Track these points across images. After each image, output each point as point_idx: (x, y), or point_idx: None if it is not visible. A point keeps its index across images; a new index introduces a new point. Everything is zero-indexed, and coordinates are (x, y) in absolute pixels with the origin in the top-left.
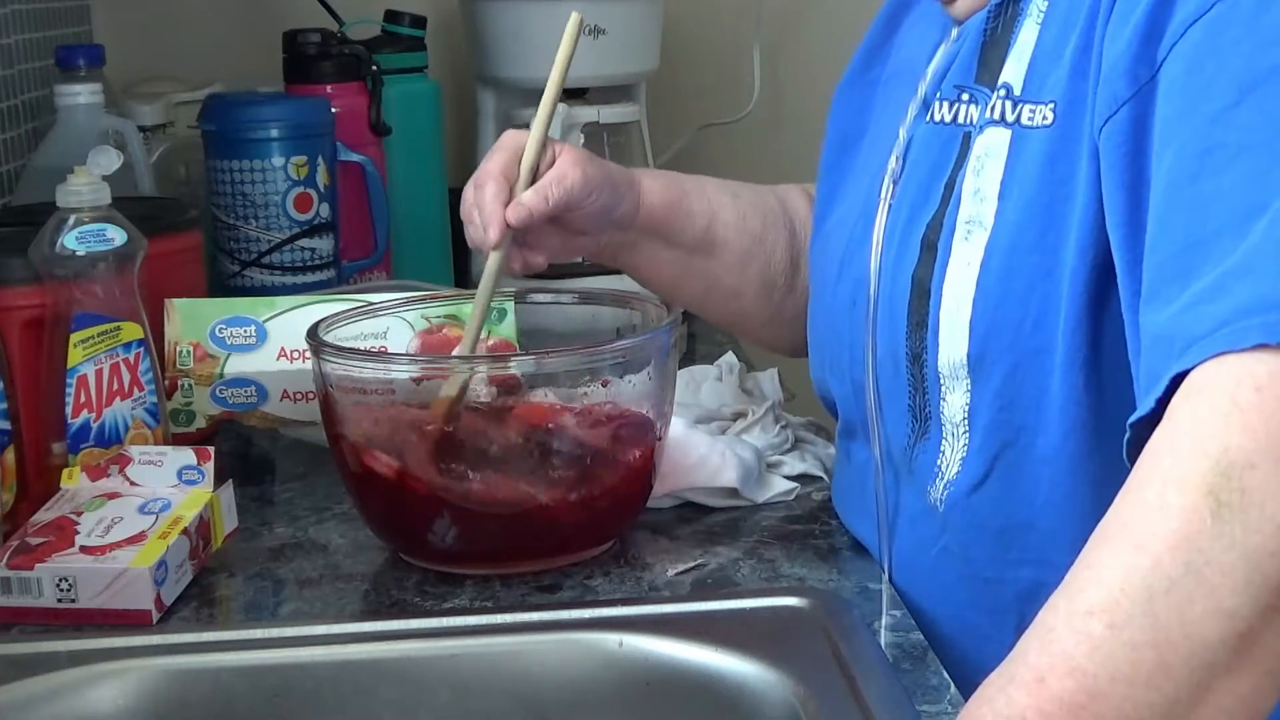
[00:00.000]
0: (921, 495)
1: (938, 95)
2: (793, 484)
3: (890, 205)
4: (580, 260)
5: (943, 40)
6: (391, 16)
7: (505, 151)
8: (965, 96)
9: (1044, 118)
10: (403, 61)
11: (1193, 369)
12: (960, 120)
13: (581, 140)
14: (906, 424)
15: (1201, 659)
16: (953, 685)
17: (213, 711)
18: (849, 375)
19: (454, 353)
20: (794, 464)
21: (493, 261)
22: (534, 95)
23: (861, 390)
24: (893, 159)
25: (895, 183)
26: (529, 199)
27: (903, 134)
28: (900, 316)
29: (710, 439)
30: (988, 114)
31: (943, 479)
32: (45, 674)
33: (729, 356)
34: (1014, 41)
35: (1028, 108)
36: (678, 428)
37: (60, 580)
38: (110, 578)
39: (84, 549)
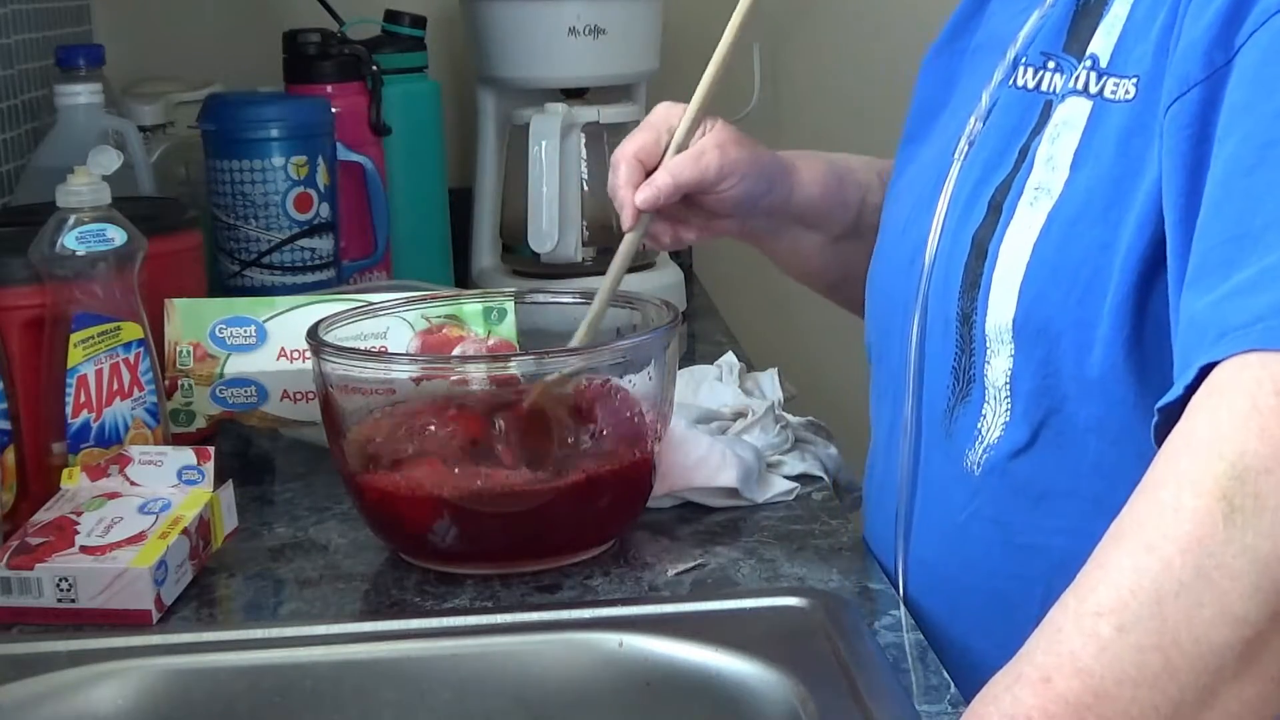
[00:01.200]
0: (956, 460)
1: (1023, 60)
2: (793, 484)
3: (963, 165)
4: (581, 260)
5: (1035, 8)
6: (391, 16)
7: (646, 130)
8: (1051, 65)
9: (1126, 92)
10: (403, 61)
11: (1220, 362)
12: (1043, 88)
13: (582, 140)
14: (948, 385)
15: (1208, 664)
16: (953, 685)
17: (213, 711)
18: (899, 332)
19: (576, 331)
20: (794, 464)
21: (625, 244)
22: (534, 95)
23: (907, 348)
24: (973, 120)
25: (971, 144)
26: (658, 178)
27: (985, 97)
28: (956, 276)
29: (710, 439)
30: (1071, 83)
31: (982, 442)
32: (45, 674)
33: (729, 356)
34: (1106, 13)
35: (1112, 81)
36: (678, 428)
37: (60, 580)
38: (110, 578)
39: (84, 549)
